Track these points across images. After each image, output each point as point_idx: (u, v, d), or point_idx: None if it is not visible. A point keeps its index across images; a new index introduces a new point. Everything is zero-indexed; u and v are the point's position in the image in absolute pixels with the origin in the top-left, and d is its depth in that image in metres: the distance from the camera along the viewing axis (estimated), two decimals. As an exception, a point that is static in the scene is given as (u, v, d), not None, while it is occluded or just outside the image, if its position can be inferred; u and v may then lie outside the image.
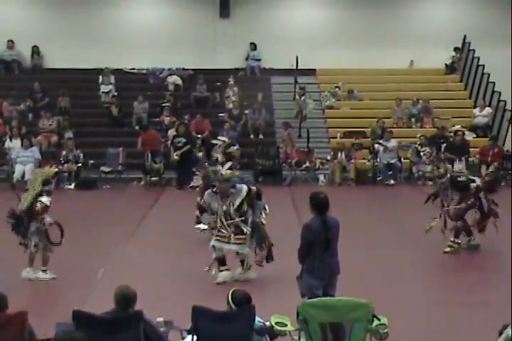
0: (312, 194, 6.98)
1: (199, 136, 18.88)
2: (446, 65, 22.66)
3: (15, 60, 22.21)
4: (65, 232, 9.27)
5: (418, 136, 18.99)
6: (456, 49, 22.60)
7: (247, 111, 20.16)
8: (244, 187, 9.20)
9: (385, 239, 11.84)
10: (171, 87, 21.54)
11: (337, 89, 21.45)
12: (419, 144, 18.72)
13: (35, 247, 9.29)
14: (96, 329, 5.39)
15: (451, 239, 10.87)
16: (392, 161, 18.65)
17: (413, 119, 20.72)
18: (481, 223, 10.98)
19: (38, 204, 9.16)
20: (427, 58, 22.35)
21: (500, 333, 5.57)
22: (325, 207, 6.88)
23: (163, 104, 20.03)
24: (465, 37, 22.48)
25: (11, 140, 18.59)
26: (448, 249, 10.83)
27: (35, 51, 22.33)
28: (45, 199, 9.21)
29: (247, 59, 22.53)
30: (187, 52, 22.21)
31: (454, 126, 19.09)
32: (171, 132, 18.92)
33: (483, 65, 21.50)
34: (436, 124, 20.27)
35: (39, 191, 9.20)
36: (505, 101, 20.59)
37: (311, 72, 22.35)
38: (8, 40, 22.05)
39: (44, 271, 9.42)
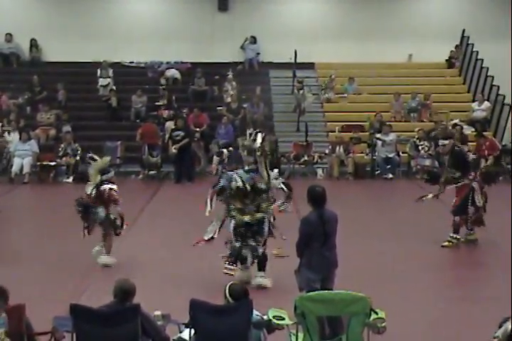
0: (309, 187, 6.98)
1: (198, 129, 18.86)
2: (446, 60, 22.69)
3: (13, 53, 22.15)
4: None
5: (416, 129, 18.98)
6: (457, 46, 22.60)
7: (245, 105, 20.15)
8: None
9: (383, 233, 11.84)
10: (163, 81, 21.31)
11: (331, 78, 21.28)
12: (417, 138, 18.72)
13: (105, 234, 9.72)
14: (93, 323, 5.40)
15: (450, 235, 10.88)
16: (391, 155, 18.65)
17: (412, 114, 20.70)
18: (475, 217, 11.00)
19: (114, 193, 9.53)
20: (425, 52, 22.30)
21: (500, 326, 5.58)
22: (322, 200, 6.88)
23: (158, 103, 20.02)
24: (464, 31, 22.43)
25: (9, 133, 18.56)
26: (446, 243, 10.84)
27: (34, 44, 22.28)
28: (114, 186, 9.64)
29: (245, 52, 22.47)
30: (185, 46, 22.17)
31: (452, 120, 19.03)
32: (169, 125, 18.91)
33: (482, 59, 21.47)
34: (434, 118, 20.26)
35: (99, 181, 9.55)
36: (504, 96, 20.57)
37: (310, 65, 22.31)
38: (7, 34, 21.98)
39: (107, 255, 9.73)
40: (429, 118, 20.39)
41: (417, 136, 18.76)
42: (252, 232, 8.71)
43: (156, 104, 20.10)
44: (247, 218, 8.67)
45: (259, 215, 8.69)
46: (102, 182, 9.58)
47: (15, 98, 20.25)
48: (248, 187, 8.69)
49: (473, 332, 7.04)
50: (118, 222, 9.71)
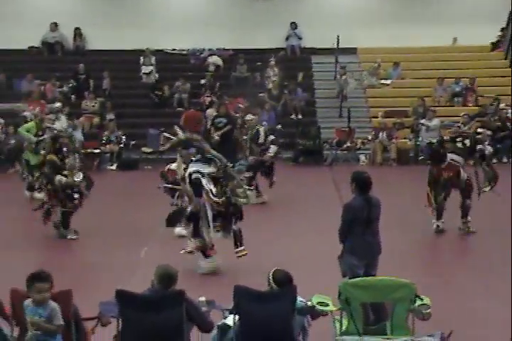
0: (355, 173, 6.95)
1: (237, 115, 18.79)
2: (492, 43, 22.32)
3: (58, 42, 22.39)
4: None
5: (462, 114, 18.74)
6: (503, 29, 22.21)
7: (286, 91, 20.08)
8: None
9: (426, 220, 11.72)
10: (212, 68, 21.43)
11: (378, 65, 21.17)
12: (461, 123, 18.45)
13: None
14: (139, 308, 5.44)
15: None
16: (434, 140, 18.44)
17: (455, 98, 20.42)
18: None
19: None
20: (470, 35, 21.92)
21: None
22: (368, 186, 6.85)
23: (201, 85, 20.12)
24: (510, 13, 22.01)
25: (56, 120, 18.73)
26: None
27: (78, 33, 22.48)
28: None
29: (287, 39, 22.40)
30: (227, 32, 22.12)
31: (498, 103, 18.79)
32: (210, 111, 18.93)
33: (529, 42, 21.09)
34: (479, 103, 19.98)
35: None
36: (550, 79, 20.19)
37: (352, 50, 22.14)
38: (52, 23, 22.20)
39: None
40: (474, 103, 20.13)
41: (461, 121, 18.50)
42: None
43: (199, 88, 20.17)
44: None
45: None
46: None
47: (60, 86, 20.52)
48: None
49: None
50: None
